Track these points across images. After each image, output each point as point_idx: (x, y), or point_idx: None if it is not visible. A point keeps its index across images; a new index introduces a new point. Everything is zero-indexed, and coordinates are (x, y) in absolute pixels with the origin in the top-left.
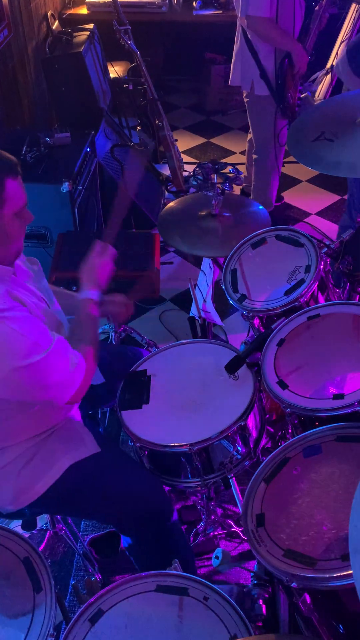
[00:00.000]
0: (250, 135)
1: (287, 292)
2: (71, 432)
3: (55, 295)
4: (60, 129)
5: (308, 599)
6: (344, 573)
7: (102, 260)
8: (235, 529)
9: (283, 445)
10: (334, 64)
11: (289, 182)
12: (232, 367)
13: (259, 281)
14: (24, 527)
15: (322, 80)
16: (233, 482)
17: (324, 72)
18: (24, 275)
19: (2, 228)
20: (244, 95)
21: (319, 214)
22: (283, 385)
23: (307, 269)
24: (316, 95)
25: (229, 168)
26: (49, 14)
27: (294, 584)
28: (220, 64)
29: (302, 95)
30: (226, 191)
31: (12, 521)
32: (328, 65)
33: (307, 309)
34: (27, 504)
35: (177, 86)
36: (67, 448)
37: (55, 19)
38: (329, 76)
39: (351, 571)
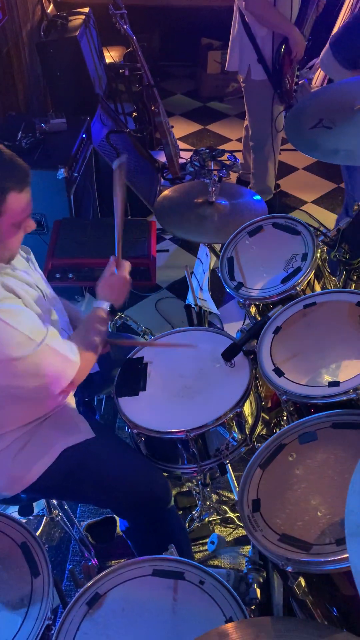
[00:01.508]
0: (247, 122)
1: (284, 280)
2: (65, 418)
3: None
4: (56, 114)
5: (303, 582)
6: (339, 557)
7: (120, 277)
8: (231, 514)
9: (279, 431)
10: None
11: (285, 170)
12: (228, 355)
13: (256, 269)
14: (20, 512)
15: (319, 67)
16: (228, 468)
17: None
18: (18, 266)
19: None
20: (241, 80)
21: (315, 202)
22: (279, 372)
23: (304, 257)
24: (313, 82)
25: (227, 155)
26: None
27: (289, 568)
28: (217, 50)
29: (299, 82)
30: (223, 178)
31: (8, 507)
32: None
33: (303, 297)
34: (22, 489)
35: (173, 72)
36: (61, 434)
37: (50, 3)
38: None
39: (346, 555)
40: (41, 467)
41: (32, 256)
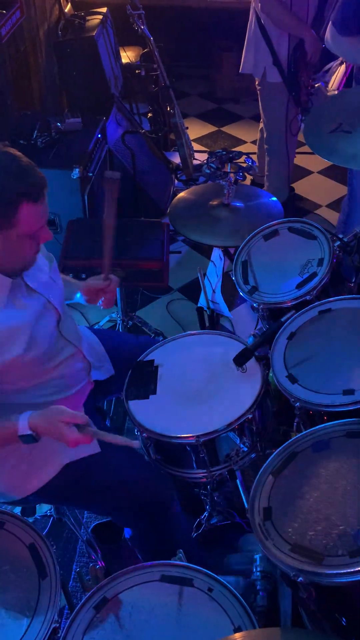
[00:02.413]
0: (262, 124)
1: (299, 285)
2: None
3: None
4: (72, 114)
5: (314, 593)
6: (353, 570)
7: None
8: (239, 520)
9: (292, 439)
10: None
11: (300, 173)
12: (240, 360)
13: (270, 273)
14: (23, 513)
15: (336, 70)
16: (237, 474)
17: (337, 62)
18: (34, 275)
19: (6, 245)
20: (256, 83)
21: (330, 206)
22: (292, 379)
23: (320, 262)
24: (329, 85)
25: (244, 157)
26: None
27: (300, 579)
28: (233, 51)
29: (315, 85)
30: (239, 181)
31: (15, 507)
32: None
33: (318, 302)
34: (21, 497)
35: (188, 73)
36: (66, 446)
37: (67, 2)
38: (343, 66)
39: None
40: (44, 477)
41: (54, 264)
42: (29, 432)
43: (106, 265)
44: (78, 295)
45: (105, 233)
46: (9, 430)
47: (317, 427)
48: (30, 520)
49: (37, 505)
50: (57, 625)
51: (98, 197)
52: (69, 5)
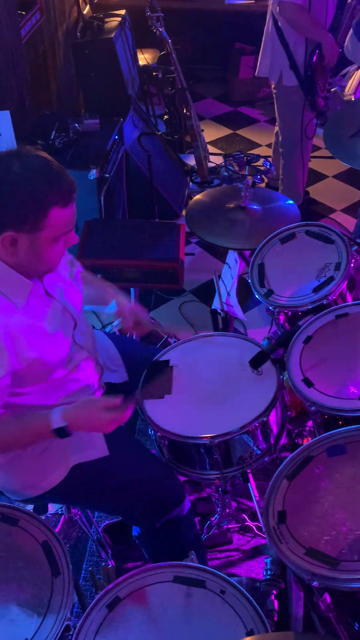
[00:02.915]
0: (277, 128)
1: (316, 289)
2: (82, 432)
3: (86, 283)
4: (89, 114)
5: (328, 598)
6: None
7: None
8: (249, 523)
9: (307, 443)
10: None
11: (315, 177)
12: (256, 362)
13: (287, 277)
14: (35, 511)
15: (352, 75)
16: (250, 476)
17: (355, 66)
18: (52, 281)
19: (34, 249)
20: (272, 86)
21: (345, 210)
22: (308, 383)
23: (337, 266)
24: (346, 90)
25: (262, 160)
26: None
27: (315, 583)
28: (250, 55)
29: (331, 90)
30: (256, 184)
31: (27, 505)
32: None
33: (335, 307)
34: (34, 496)
35: (204, 75)
36: (76, 448)
37: (86, 4)
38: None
39: None
40: (55, 478)
41: (76, 269)
42: (64, 423)
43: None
44: (111, 307)
45: None
46: (42, 424)
47: (333, 431)
48: (42, 517)
49: (48, 504)
50: (69, 623)
51: (114, 198)
52: (87, 7)
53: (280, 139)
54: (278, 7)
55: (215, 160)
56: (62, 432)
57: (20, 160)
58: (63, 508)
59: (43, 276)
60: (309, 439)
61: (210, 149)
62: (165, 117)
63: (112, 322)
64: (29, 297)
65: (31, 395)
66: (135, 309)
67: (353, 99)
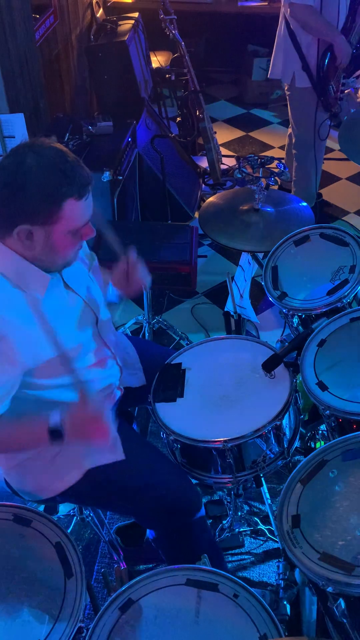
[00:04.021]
0: (290, 130)
1: (330, 292)
2: None
3: None
4: (103, 117)
5: (342, 603)
6: None
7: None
8: (262, 526)
9: (321, 447)
10: None
11: (328, 179)
12: (269, 366)
13: (301, 279)
14: (45, 511)
15: None
16: (262, 480)
17: None
18: (73, 275)
19: (49, 241)
20: (285, 88)
21: (358, 212)
22: (322, 386)
23: (352, 269)
24: None
25: (276, 162)
26: (94, 1)
27: (329, 589)
28: (263, 57)
29: (345, 91)
30: (270, 186)
31: (40, 505)
32: None
33: (350, 310)
34: (46, 498)
35: (217, 78)
36: (91, 450)
37: (99, 7)
38: None
39: None
40: (69, 480)
41: (96, 263)
42: (59, 420)
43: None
44: (110, 288)
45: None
46: (39, 422)
47: (348, 435)
48: (55, 518)
49: (60, 505)
50: (82, 624)
51: (127, 200)
52: (101, 10)
53: (293, 140)
54: (289, 9)
55: (228, 162)
56: (56, 434)
57: (34, 152)
58: (75, 509)
59: (62, 270)
60: (322, 442)
61: (223, 151)
62: (178, 119)
63: (125, 324)
64: (47, 290)
65: (56, 390)
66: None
67: None
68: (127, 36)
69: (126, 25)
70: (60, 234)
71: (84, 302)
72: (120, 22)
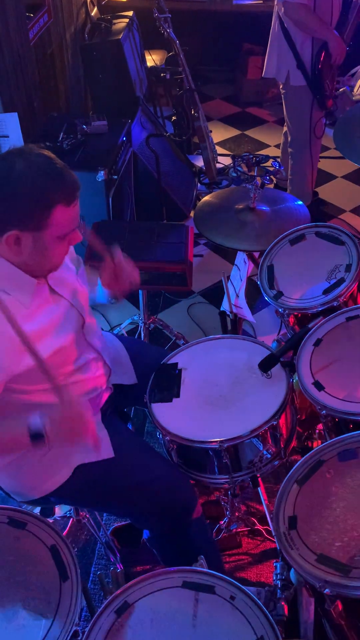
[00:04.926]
0: (285, 128)
1: (326, 291)
2: None
3: None
4: (97, 116)
5: (339, 605)
6: None
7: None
8: (259, 527)
9: (318, 447)
10: None
11: (324, 177)
12: (265, 366)
13: (297, 278)
14: (41, 513)
15: None
16: (259, 480)
17: None
18: (59, 279)
19: (37, 247)
20: (280, 87)
21: (354, 211)
22: (319, 386)
23: (348, 268)
24: (355, 89)
25: (271, 161)
26: (88, 0)
27: (327, 591)
28: (258, 55)
29: (340, 90)
30: (265, 184)
31: (35, 507)
32: None
33: (346, 309)
34: (39, 497)
35: (212, 76)
36: (80, 448)
37: (94, 6)
38: None
39: None
40: (58, 479)
41: (82, 268)
42: (40, 422)
43: (99, 248)
44: (100, 289)
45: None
46: (21, 429)
47: (345, 435)
48: (50, 520)
49: (56, 506)
50: (78, 628)
51: (122, 200)
52: (95, 9)
53: (289, 139)
54: (283, 8)
55: (224, 161)
56: (37, 436)
57: (24, 158)
58: (71, 511)
59: (47, 275)
60: (319, 442)
61: (219, 149)
62: (173, 118)
63: (120, 324)
64: (33, 295)
65: (38, 394)
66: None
67: None
68: (121, 35)
69: (120, 23)
70: (49, 239)
71: (70, 304)
72: (114, 21)
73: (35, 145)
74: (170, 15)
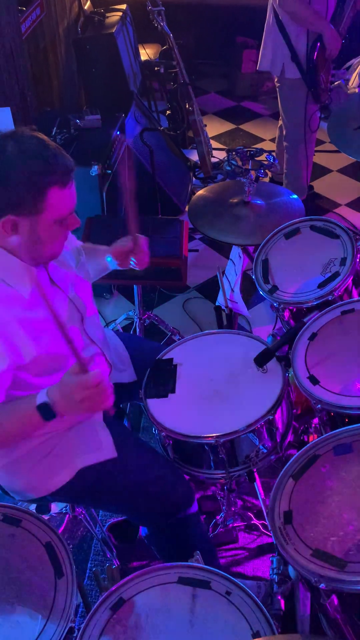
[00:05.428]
0: (280, 122)
1: (321, 285)
2: (89, 432)
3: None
4: (91, 110)
5: (335, 600)
6: None
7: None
8: (255, 521)
9: (313, 442)
10: None
11: (319, 171)
12: (261, 360)
13: (291, 272)
14: (38, 510)
15: (357, 67)
16: (256, 475)
17: (358, 59)
18: (59, 271)
19: (34, 232)
20: (275, 80)
21: (350, 205)
22: (314, 380)
23: (343, 261)
24: (350, 83)
25: (265, 155)
26: None
27: (322, 585)
28: (252, 48)
29: (335, 83)
30: (260, 178)
31: (31, 504)
32: None
33: (341, 303)
34: (36, 497)
35: (207, 70)
36: (82, 450)
37: None
38: None
39: None
40: (60, 480)
41: (82, 259)
42: (46, 398)
43: (132, 226)
44: (109, 259)
45: (126, 196)
46: (27, 404)
47: (340, 429)
48: (46, 517)
49: (52, 503)
50: (73, 624)
51: (116, 194)
52: (88, 2)
53: (284, 132)
54: (278, 0)
55: (219, 155)
56: (47, 412)
57: (15, 141)
58: (67, 507)
59: (48, 263)
60: (315, 436)
61: (214, 144)
62: (168, 112)
63: (116, 319)
64: (33, 285)
65: (35, 388)
66: (127, 246)
67: (357, 92)
68: (115, 28)
69: (114, 17)
70: (46, 223)
71: (69, 299)
72: (107, 14)
73: (26, 127)
74: (164, 9)
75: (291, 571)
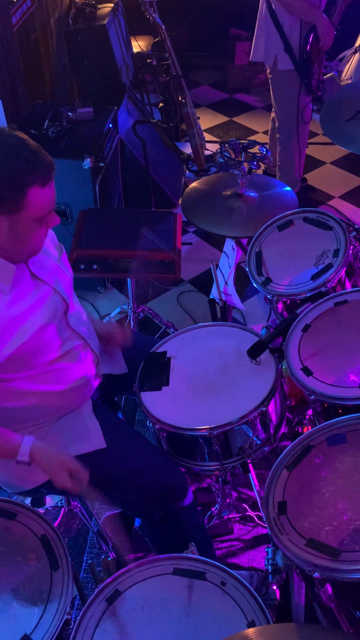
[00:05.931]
0: (273, 114)
1: (314, 277)
2: (78, 423)
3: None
4: (83, 103)
5: (329, 589)
6: None
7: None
8: (250, 513)
9: (307, 432)
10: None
11: (312, 163)
12: (254, 352)
13: (285, 264)
14: (33, 503)
15: (349, 59)
16: (250, 466)
17: (351, 50)
18: (41, 264)
19: (14, 230)
20: (268, 71)
21: (343, 197)
22: (307, 371)
23: (336, 253)
24: (343, 74)
25: (258, 147)
26: None
27: (316, 574)
28: (245, 40)
29: (328, 75)
30: (253, 170)
31: (26, 498)
32: (357, 44)
33: (334, 294)
34: (30, 489)
35: (200, 62)
36: (71, 440)
37: None
38: (357, 55)
39: None
40: None
41: (63, 254)
42: (27, 459)
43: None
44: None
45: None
46: (11, 446)
47: (333, 420)
48: (41, 510)
49: (47, 496)
50: (69, 617)
51: (109, 187)
52: None
53: (277, 124)
54: None
55: (212, 148)
56: (22, 464)
57: None
58: (63, 501)
59: (28, 260)
60: (309, 427)
61: (207, 136)
62: (161, 104)
63: (109, 313)
64: (13, 281)
65: (20, 382)
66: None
67: (350, 83)
68: (106, 20)
69: (105, 8)
70: (25, 222)
71: (53, 289)
72: (99, 6)
73: (7, 127)
74: (155, 0)
75: (279, 560)
